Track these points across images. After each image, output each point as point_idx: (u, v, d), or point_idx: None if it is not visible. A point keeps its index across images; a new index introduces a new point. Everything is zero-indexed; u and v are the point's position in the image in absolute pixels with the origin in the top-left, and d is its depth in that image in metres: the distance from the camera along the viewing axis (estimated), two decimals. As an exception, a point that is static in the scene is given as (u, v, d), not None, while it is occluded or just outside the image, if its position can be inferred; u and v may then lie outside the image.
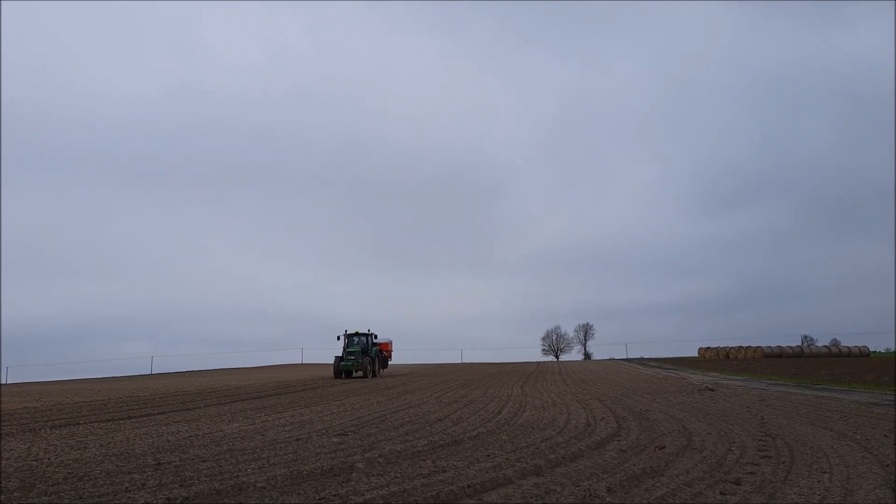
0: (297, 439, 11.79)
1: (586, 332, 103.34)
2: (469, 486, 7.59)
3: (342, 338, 41.91)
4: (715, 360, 73.27)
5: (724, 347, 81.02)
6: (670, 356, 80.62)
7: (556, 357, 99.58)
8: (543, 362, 74.71)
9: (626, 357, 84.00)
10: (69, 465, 9.47)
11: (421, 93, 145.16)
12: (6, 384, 48.72)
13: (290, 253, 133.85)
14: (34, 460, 9.93)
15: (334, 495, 7.23)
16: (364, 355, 40.47)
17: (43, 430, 14.03)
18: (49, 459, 10.00)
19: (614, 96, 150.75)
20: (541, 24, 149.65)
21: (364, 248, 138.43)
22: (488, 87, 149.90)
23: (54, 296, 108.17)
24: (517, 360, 78.39)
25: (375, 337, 43.50)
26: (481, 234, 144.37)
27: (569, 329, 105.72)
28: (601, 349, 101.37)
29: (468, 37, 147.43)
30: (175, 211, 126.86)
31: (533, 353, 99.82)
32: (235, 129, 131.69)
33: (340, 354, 40.43)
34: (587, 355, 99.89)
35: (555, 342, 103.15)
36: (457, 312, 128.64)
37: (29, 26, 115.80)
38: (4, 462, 9.82)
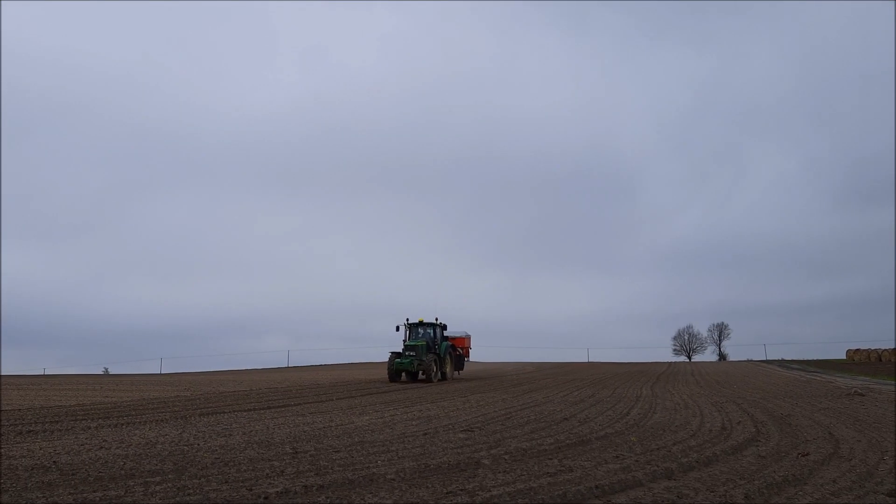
0: (425, 434, 12.04)
1: (721, 331, 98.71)
2: (597, 487, 7.47)
3: (402, 328, 32.87)
4: (865, 362, 67.97)
5: (875, 349, 74.89)
6: (814, 358, 75.42)
7: (689, 358, 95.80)
8: (675, 363, 72.12)
9: (764, 358, 79.54)
10: (216, 450, 10.15)
11: (547, 90, 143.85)
12: (162, 374, 52.77)
13: (418, 251, 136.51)
14: (185, 445, 10.72)
15: (461, 490, 7.32)
16: (428, 352, 31.49)
17: (193, 418, 15.11)
18: (198, 445, 10.77)
19: (751, 86, 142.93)
20: (674, 14, 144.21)
21: (490, 246, 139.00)
22: (618, 82, 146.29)
23: (203, 294, 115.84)
24: (646, 360, 76.17)
25: (445, 328, 33.91)
26: (609, 230, 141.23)
27: (702, 328, 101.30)
28: (737, 350, 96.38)
29: (597, 31, 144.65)
30: (310, 213, 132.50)
31: (663, 353, 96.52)
32: (364, 133, 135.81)
33: (400, 350, 31.60)
34: (722, 356, 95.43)
35: (687, 342, 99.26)
36: (583, 310, 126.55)
37: (179, 52, 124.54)
38: (160, 446, 10.67)
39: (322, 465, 8.82)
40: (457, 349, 34.79)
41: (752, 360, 77.48)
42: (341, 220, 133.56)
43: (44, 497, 6.95)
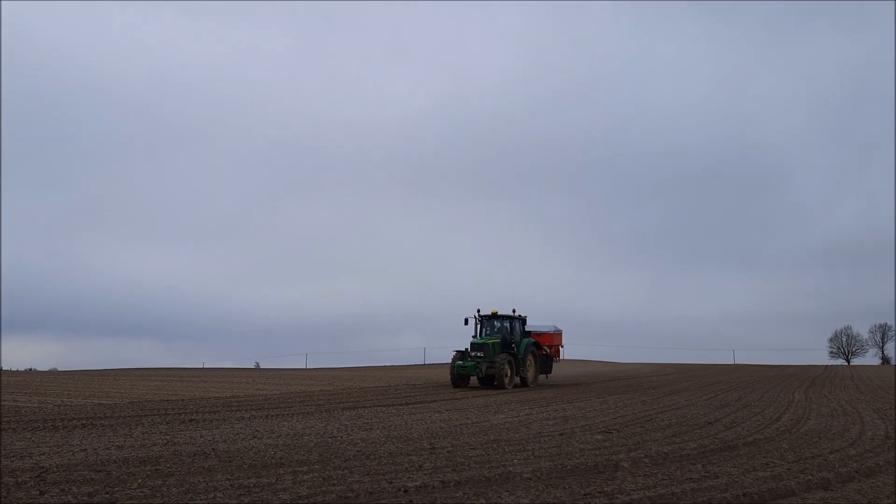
0: (561, 434, 11.93)
1: (884, 333, 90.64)
2: (744, 495, 7.11)
3: (473, 321, 26.44)
4: None
5: None
6: None
7: (847, 361, 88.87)
8: (831, 366, 67.19)
9: (936, 363, 72.50)
10: (357, 443, 10.55)
11: (686, 81, 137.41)
12: (307, 369, 55.51)
13: (551, 251, 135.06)
14: (330, 438, 11.22)
15: (599, 492, 7.19)
16: (503, 351, 25.43)
17: (336, 411, 15.80)
18: (342, 437, 11.24)
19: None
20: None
21: (627, 245, 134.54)
22: (761, 71, 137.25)
23: (345, 293, 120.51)
24: (799, 363, 71.45)
25: (524, 322, 27.28)
26: (755, 226, 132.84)
27: (862, 330, 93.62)
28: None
29: (739, 19, 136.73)
30: (444, 213, 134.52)
31: (818, 355, 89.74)
32: (495, 133, 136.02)
33: (467, 347, 25.62)
34: (885, 360, 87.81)
35: (845, 344, 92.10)
36: (728, 310, 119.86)
37: (313, 58, 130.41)
38: (307, 437, 11.23)
39: (459, 461, 8.94)
40: (542, 347, 27.94)
41: (921, 365, 70.80)
42: (475, 220, 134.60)
43: (204, 482, 7.50)
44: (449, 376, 26.05)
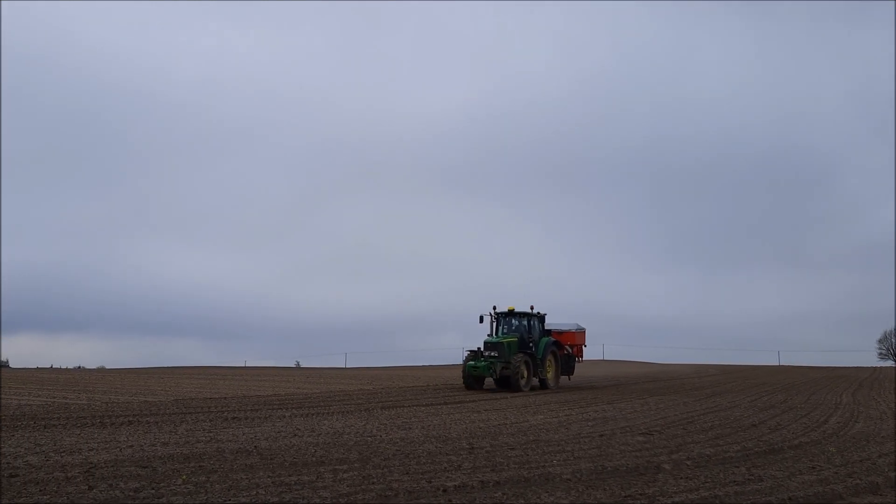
0: (601, 435, 11.83)
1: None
2: (790, 499, 6.97)
3: (488, 318, 25.00)
4: None
5: None
6: None
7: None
8: (880, 368, 65.35)
9: None
10: (397, 442, 10.61)
11: (729, 79, 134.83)
12: (346, 368, 55.96)
13: (590, 250, 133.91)
14: (369, 437, 11.30)
15: (640, 494, 7.12)
16: (520, 350, 23.87)
17: (375, 410, 15.90)
18: (381, 437, 11.31)
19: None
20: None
21: (668, 245, 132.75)
22: (809, 66, 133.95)
23: (383, 292, 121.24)
24: (846, 365, 69.64)
25: (543, 320, 25.71)
26: (802, 224, 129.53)
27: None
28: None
29: (785, 14, 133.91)
30: (486, 212, 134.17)
31: (866, 357, 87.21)
32: (537, 133, 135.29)
33: (479, 347, 24.10)
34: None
35: (894, 345, 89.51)
36: (773, 310, 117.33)
37: (357, 59, 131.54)
38: (346, 436, 11.33)
39: (498, 461, 8.93)
40: (564, 347, 26.24)
41: (976, 367, 68.45)
42: (515, 218, 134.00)
43: (247, 479, 7.62)
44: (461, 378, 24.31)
